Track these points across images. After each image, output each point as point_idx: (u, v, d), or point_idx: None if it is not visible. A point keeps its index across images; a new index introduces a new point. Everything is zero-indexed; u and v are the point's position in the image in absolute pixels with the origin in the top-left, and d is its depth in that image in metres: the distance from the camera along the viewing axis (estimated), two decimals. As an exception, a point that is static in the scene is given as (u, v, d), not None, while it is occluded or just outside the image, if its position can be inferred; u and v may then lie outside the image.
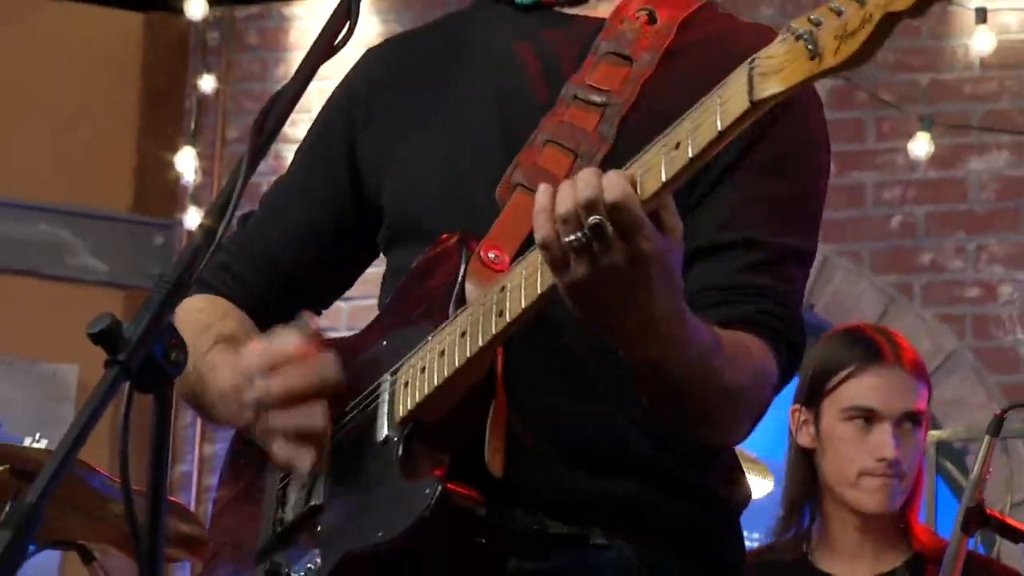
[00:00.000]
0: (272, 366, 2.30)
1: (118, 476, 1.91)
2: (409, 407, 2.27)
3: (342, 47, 2.16)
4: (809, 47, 1.89)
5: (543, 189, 2.06)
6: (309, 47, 2.16)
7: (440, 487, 2.20)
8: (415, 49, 2.64)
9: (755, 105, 1.94)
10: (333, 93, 2.68)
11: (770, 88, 1.93)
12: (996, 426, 3.77)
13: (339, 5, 2.17)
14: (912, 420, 3.96)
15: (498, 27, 2.54)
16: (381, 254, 2.62)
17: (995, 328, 7.08)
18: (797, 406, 3.99)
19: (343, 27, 2.16)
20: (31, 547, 1.75)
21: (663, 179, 2.01)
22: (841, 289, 7.14)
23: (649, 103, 2.39)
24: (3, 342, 7.73)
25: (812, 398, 3.98)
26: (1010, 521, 3.76)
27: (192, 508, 7.13)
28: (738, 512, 2.48)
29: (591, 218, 2.00)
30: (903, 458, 3.93)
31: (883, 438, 3.93)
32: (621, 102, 2.39)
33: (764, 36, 2.45)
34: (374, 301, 2.56)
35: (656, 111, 2.33)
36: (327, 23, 2.17)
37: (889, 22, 1.84)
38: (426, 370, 2.25)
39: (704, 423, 2.30)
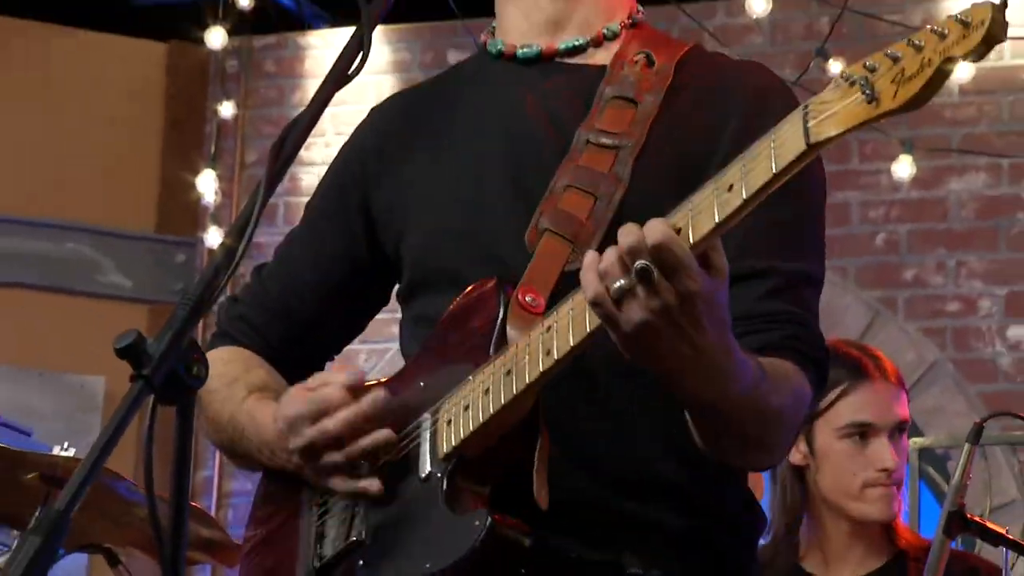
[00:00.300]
0: (319, 413, 2.30)
1: (143, 483, 1.91)
2: (454, 443, 2.24)
3: (355, 76, 2.16)
4: (866, 92, 1.86)
5: (588, 254, 2.03)
6: (324, 75, 2.16)
7: (489, 519, 2.18)
8: (421, 105, 2.62)
9: (812, 148, 1.92)
10: (342, 149, 2.66)
11: (827, 131, 1.90)
12: (976, 434, 3.76)
13: (352, 36, 2.17)
14: (900, 429, 4.00)
15: (502, 80, 2.53)
16: (397, 303, 2.60)
17: (974, 340, 7.09)
18: None
19: (356, 57, 2.16)
20: (60, 551, 1.75)
21: (716, 220, 1.98)
22: (828, 303, 7.11)
23: (659, 142, 2.38)
24: (34, 355, 7.75)
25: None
26: (990, 525, 3.75)
27: (212, 513, 7.13)
28: (757, 536, 2.49)
29: (636, 263, 1.97)
30: (899, 466, 3.96)
31: (882, 449, 3.95)
32: (632, 143, 2.37)
33: (755, 73, 2.50)
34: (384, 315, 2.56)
35: (666, 149, 2.37)
36: (341, 53, 2.17)
37: (948, 66, 1.82)
38: (470, 408, 2.23)
39: (756, 447, 2.29)
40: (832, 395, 3.94)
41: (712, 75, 2.47)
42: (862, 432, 3.95)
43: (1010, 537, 3.79)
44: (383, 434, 2.30)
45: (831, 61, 6.70)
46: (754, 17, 6.93)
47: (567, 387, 2.27)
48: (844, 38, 6.92)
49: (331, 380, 2.32)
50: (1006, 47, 7.15)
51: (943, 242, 7.19)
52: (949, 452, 6.52)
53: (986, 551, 4.23)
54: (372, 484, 2.31)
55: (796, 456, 3.99)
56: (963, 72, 6.79)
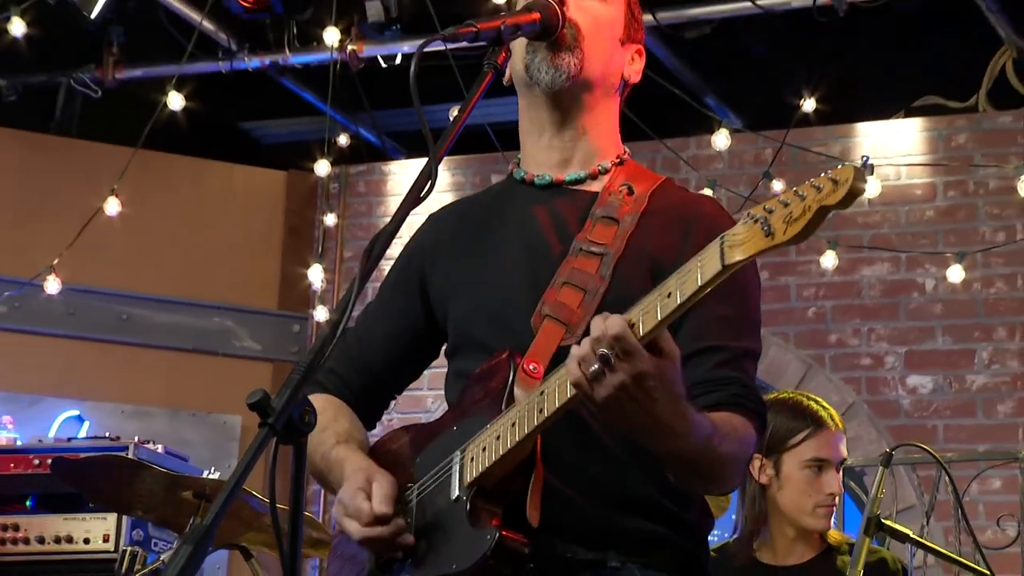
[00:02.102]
0: (353, 513, 2.32)
1: (269, 498, 1.89)
2: (474, 475, 2.24)
3: (426, 198, 2.15)
4: (764, 228, 1.89)
5: (573, 349, 2.06)
6: (403, 194, 2.14)
7: (498, 534, 2.19)
8: (464, 214, 2.62)
9: (725, 268, 1.94)
10: (408, 244, 2.65)
11: (736, 256, 1.92)
12: (887, 459, 3.72)
13: (424, 168, 2.16)
14: (842, 464, 4.02)
15: (523, 199, 2.52)
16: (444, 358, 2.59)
17: (882, 387, 7.04)
18: (757, 456, 3.99)
19: (426, 183, 2.15)
20: (208, 550, 1.73)
21: (659, 318, 2.01)
22: (774, 359, 7.10)
23: (633, 252, 2.38)
24: (189, 400, 7.75)
25: (771, 451, 3.99)
26: (898, 527, 3.71)
27: (320, 519, 7.08)
28: (707, 536, 2.47)
29: (599, 350, 2.00)
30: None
31: (832, 479, 3.97)
32: (613, 251, 2.38)
33: (706, 204, 2.52)
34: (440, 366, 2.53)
35: (639, 257, 2.37)
36: (415, 180, 2.15)
37: (823, 212, 1.84)
38: (487, 449, 2.23)
39: (711, 482, 2.29)
40: (799, 437, 3.97)
41: (676, 204, 2.47)
42: (819, 466, 3.95)
43: (913, 536, 3.74)
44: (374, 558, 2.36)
45: (774, 181, 6.70)
46: (717, 149, 6.94)
47: (565, 432, 2.26)
48: (783, 164, 6.92)
49: (378, 495, 2.33)
50: (902, 170, 7.14)
51: (858, 314, 7.15)
52: (865, 470, 6.47)
53: (894, 544, 4.18)
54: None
55: (763, 478, 3.99)
56: (872, 190, 6.78)
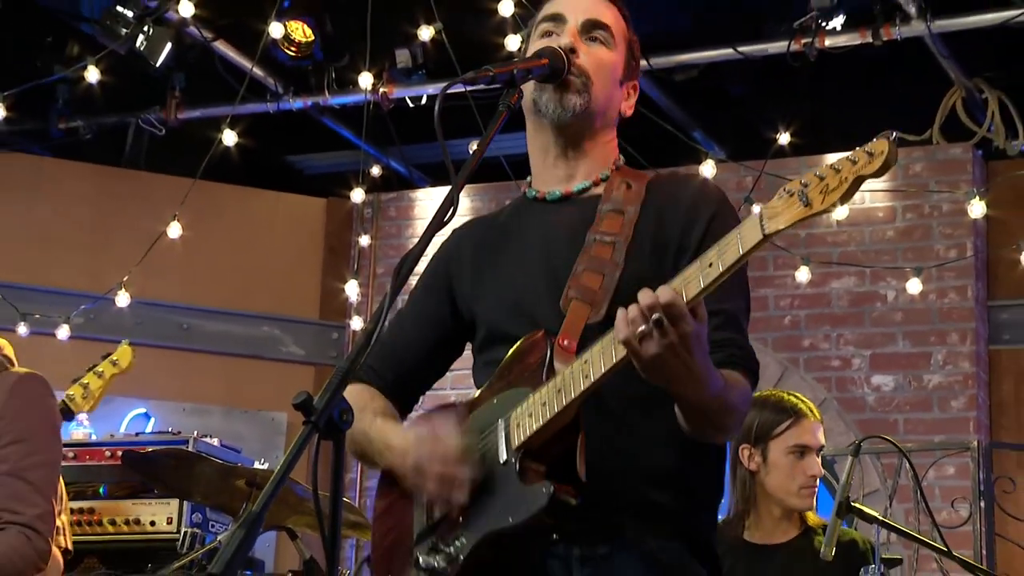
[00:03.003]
0: (433, 461, 2.27)
1: (312, 485, 1.88)
2: (521, 439, 2.20)
3: (449, 222, 2.14)
4: (802, 199, 1.87)
5: (619, 311, 2.05)
6: (428, 219, 2.13)
7: (553, 487, 2.16)
8: (486, 228, 2.60)
9: (766, 237, 1.92)
10: (435, 254, 2.63)
11: (777, 225, 1.90)
12: (856, 450, 3.72)
13: (447, 195, 2.15)
14: (820, 450, 3.99)
15: (538, 212, 2.51)
16: (470, 353, 2.56)
17: (850, 385, 7.02)
18: (746, 445, 3.97)
19: (449, 208, 2.14)
20: (258, 533, 1.72)
21: (701, 286, 2.00)
22: (754, 362, 7.08)
23: (640, 236, 2.37)
24: (241, 399, 7.75)
25: (759, 440, 3.96)
26: (866, 509, 3.70)
27: (356, 503, 7.07)
28: (717, 510, 2.44)
29: (653, 316, 1.99)
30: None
31: (814, 463, 3.95)
32: (623, 238, 2.37)
33: (698, 182, 2.51)
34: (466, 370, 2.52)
35: (646, 241, 2.36)
36: (439, 206, 2.14)
37: (859, 181, 1.81)
38: (532, 415, 2.20)
39: (719, 430, 2.26)
40: (783, 426, 3.95)
41: (671, 190, 2.46)
42: (801, 451, 3.93)
43: (879, 517, 3.73)
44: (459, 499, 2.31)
45: (754, 205, 6.68)
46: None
47: (592, 409, 2.22)
48: (761, 190, 6.89)
49: (444, 439, 2.29)
50: (866, 195, 7.13)
51: (828, 322, 7.13)
52: (835, 459, 6.44)
53: (862, 525, 4.15)
54: (444, 505, 2.30)
55: (752, 465, 3.97)
56: (841, 211, 6.76)
